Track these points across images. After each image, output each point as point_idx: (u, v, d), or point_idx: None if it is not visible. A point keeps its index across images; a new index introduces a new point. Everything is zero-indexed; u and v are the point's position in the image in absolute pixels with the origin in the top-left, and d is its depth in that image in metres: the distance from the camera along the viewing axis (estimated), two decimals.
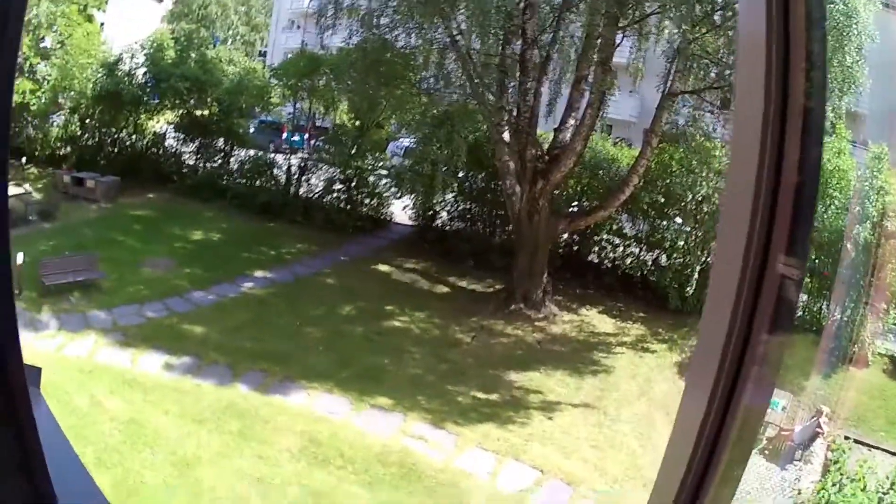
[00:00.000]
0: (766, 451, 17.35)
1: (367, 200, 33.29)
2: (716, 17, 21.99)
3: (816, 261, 22.44)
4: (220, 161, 36.31)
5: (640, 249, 28.20)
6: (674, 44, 22.81)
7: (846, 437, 17.36)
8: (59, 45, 36.01)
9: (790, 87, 2.04)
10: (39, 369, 2.88)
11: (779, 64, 2.05)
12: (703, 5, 21.66)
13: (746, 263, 2.08)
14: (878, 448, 17.79)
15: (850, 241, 21.05)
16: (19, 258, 21.70)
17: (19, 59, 30.84)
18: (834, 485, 14.79)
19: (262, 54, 66.80)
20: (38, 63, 35.64)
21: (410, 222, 32.41)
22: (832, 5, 19.15)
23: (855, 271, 21.46)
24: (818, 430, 17.18)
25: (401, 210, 32.49)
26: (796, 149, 2.04)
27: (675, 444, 2.34)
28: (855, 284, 21.38)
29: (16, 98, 30.84)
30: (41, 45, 36.06)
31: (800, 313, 22.03)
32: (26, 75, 34.71)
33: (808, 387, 18.53)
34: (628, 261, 27.96)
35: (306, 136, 38.60)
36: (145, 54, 36.15)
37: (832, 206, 22.11)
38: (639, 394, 21.22)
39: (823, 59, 2.15)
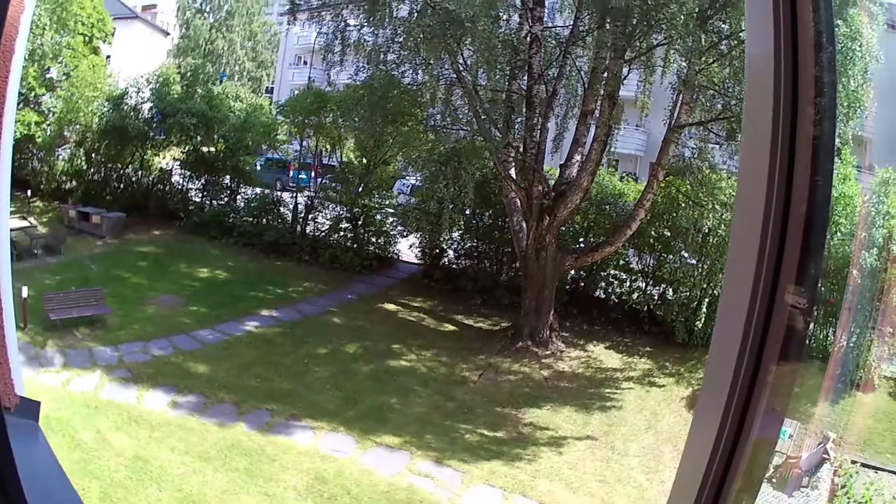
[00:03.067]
0: (774, 480, 17.23)
1: (373, 239, 33.24)
2: (722, 47, 21.97)
3: (822, 288, 22.31)
4: (226, 199, 36.33)
5: (647, 284, 28.18)
6: (680, 75, 22.76)
7: (853, 462, 17.29)
8: (64, 77, 36.21)
9: (799, 113, 2.01)
10: (38, 403, 2.85)
11: (787, 89, 2.02)
12: (708, 35, 21.67)
13: (755, 294, 2.04)
14: (884, 470, 17.69)
15: (857, 267, 20.92)
16: (24, 292, 21.73)
17: (23, 90, 31.00)
18: None
19: (269, 90, 67.05)
20: (43, 94, 35.84)
21: (417, 261, 32.39)
22: (835, 28, 19.01)
23: (861, 297, 21.31)
24: (825, 456, 17.08)
25: (407, 248, 32.50)
26: (805, 178, 2.01)
27: (683, 477, 2.30)
28: (861, 310, 21.23)
29: (21, 129, 31.26)
30: (46, 75, 36.17)
31: (806, 341, 21.90)
32: (31, 106, 34.90)
33: (815, 414, 18.42)
34: (635, 295, 27.74)
35: (313, 173, 38.64)
36: (151, 89, 36.30)
37: (838, 233, 22.03)
38: (646, 428, 21.15)
39: (833, 85, 2.11)
